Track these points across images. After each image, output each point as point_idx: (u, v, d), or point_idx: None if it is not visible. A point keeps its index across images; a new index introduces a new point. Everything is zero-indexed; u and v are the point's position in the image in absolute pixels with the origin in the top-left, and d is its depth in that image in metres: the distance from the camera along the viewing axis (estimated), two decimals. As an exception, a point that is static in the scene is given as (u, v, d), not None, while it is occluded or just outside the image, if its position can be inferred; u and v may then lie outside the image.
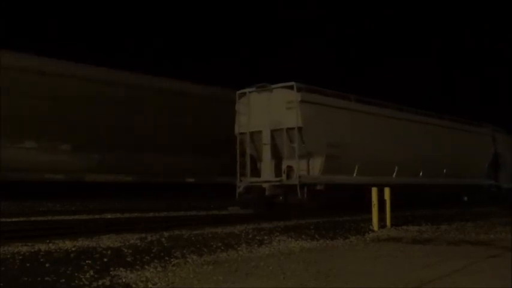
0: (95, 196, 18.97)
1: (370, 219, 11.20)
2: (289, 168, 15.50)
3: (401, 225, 11.78)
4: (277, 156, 15.81)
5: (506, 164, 27.09)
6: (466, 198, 24.00)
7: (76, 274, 5.54)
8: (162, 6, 47.15)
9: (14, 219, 12.07)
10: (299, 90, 15.46)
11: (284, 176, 15.48)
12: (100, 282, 5.26)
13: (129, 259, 6.50)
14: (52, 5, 39.08)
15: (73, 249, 7.11)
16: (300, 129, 15.16)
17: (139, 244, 7.72)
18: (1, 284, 5.09)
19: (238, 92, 16.64)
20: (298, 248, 8.16)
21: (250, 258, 6.98)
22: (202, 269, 6.13)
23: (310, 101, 15.73)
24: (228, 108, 17.11)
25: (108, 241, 8.01)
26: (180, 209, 16.58)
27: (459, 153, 22.70)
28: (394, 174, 18.63)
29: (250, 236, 9.05)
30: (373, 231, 10.71)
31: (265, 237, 8.93)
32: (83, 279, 5.34)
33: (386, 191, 11.71)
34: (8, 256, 6.43)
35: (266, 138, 15.78)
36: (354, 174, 16.86)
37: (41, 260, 6.26)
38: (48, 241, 7.87)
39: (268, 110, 15.71)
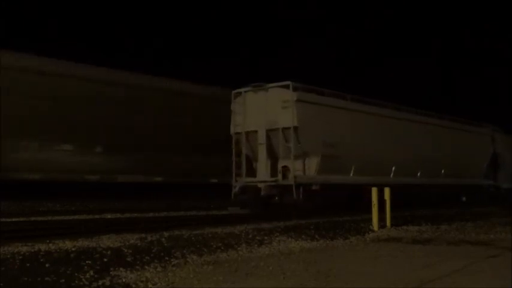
0: (95, 196, 18.97)
1: (370, 219, 11.20)
2: (285, 168, 15.43)
3: (401, 225, 11.78)
4: (273, 156, 15.72)
5: (505, 164, 27.01)
6: (464, 199, 23.90)
7: (76, 274, 5.54)
8: (162, 6, 47.17)
9: (14, 219, 12.07)
10: (295, 89, 15.38)
11: (280, 176, 15.41)
12: (100, 283, 5.26)
13: (129, 259, 6.50)
14: (52, 5, 39.11)
15: (73, 249, 7.11)
16: (295, 128, 15.08)
17: (139, 244, 7.72)
18: (1, 284, 5.09)
19: (233, 92, 16.54)
20: (298, 248, 8.16)
21: (250, 258, 6.98)
22: (202, 269, 6.13)
23: (306, 100, 15.64)
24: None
25: (108, 241, 8.01)
26: (180, 209, 16.58)
27: (458, 153, 22.63)
28: (392, 174, 18.56)
29: (250, 236, 9.05)
30: (373, 231, 10.71)
31: (265, 238, 8.93)
32: (83, 280, 5.34)
33: (386, 191, 11.70)
34: (8, 256, 6.43)
35: (262, 138, 15.70)
36: (351, 174, 16.77)
37: (41, 260, 6.26)
38: (48, 241, 7.87)
39: (264, 110, 15.63)
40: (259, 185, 15.63)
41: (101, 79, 20.50)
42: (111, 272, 5.73)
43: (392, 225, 11.50)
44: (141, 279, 5.43)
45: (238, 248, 7.76)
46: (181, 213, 15.41)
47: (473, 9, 51.00)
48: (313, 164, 15.57)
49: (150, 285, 5.22)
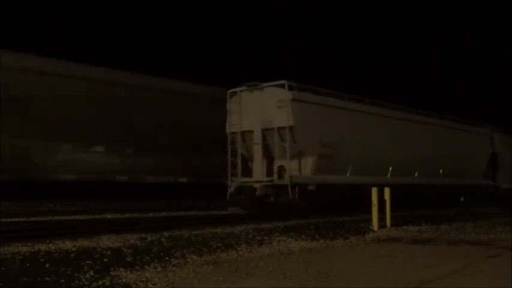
0: (95, 196, 18.98)
1: (370, 219, 11.20)
2: (281, 168, 15.31)
3: (401, 225, 11.78)
4: (268, 156, 15.63)
5: (504, 163, 26.91)
6: (462, 199, 23.78)
7: (76, 274, 5.54)
8: (162, 6, 47.16)
9: (14, 219, 12.07)
10: (290, 88, 15.27)
11: (275, 176, 15.30)
12: (100, 283, 5.26)
13: (129, 259, 6.50)
14: (52, 5, 39.12)
15: (73, 249, 7.11)
16: (291, 128, 14.97)
17: (139, 244, 7.72)
18: (1, 284, 5.09)
19: (229, 91, 16.42)
20: (298, 248, 8.16)
21: (250, 258, 6.98)
22: (202, 269, 6.13)
23: (302, 99, 15.53)
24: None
25: (108, 241, 8.01)
26: (180, 209, 16.57)
27: (456, 153, 22.52)
28: (389, 174, 18.44)
29: (250, 236, 9.05)
30: (373, 231, 10.71)
31: (265, 238, 8.93)
32: (83, 280, 5.34)
33: (386, 191, 11.69)
34: (8, 256, 6.43)
35: (257, 137, 15.60)
36: (348, 174, 16.65)
37: (41, 260, 6.26)
38: (48, 241, 7.87)
39: (259, 109, 15.52)
40: (255, 185, 15.52)
41: (130, 84, 21.49)
42: (111, 272, 5.73)
43: (392, 225, 11.50)
44: (141, 279, 5.43)
45: (238, 248, 7.76)
46: (181, 213, 15.40)
47: (473, 9, 51.05)
48: (309, 163, 15.47)
49: (150, 285, 5.22)
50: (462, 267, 6.37)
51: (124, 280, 5.41)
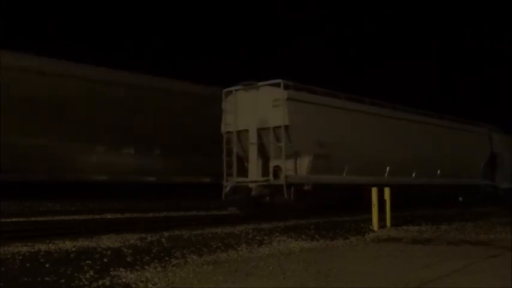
0: (95, 196, 18.99)
1: (370, 219, 11.20)
2: (277, 168, 15.18)
3: (401, 225, 11.78)
4: (264, 155, 15.49)
5: (503, 163, 26.79)
6: (461, 199, 23.66)
7: (76, 274, 5.54)
8: (162, 6, 47.18)
9: (14, 219, 12.07)
10: (286, 87, 15.12)
11: (271, 176, 15.16)
12: (100, 283, 5.26)
13: (129, 259, 6.50)
14: (52, 5, 39.13)
15: (73, 249, 7.11)
16: (286, 127, 14.81)
17: (139, 244, 7.72)
18: (1, 284, 5.09)
19: (224, 90, 16.28)
20: (298, 248, 8.16)
21: (250, 258, 6.98)
22: (202, 269, 6.13)
23: (298, 99, 15.36)
24: None
25: (108, 241, 8.02)
26: (180, 209, 16.57)
27: (454, 152, 22.37)
28: (387, 174, 18.32)
29: (250, 236, 9.05)
30: (373, 231, 10.71)
31: (265, 238, 8.93)
32: (83, 280, 5.34)
33: (386, 191, 11.69)
34: (8, 256, 6.43)
35: (253, 137, 15.45)
36: (344, 174, 16.51)
37: (41, 260, 6.26)
38: (48, 241, 7.87)
39: (254, 109, 15.36)
40: (250, 185, 15.37)
41: (163, 89, 22.34)
42: (111, 272, 5.73)
43: (392, 225, 11.49)
44: (141, 279, 5.43)
45: (238, 248, 7.76)
46: (181, 213, 15.40)
47: (473, 9, 51.05)
48: (305, 163, 15.32)
49: (150, 285, 5.22)
50: (462, 267, 6.37)
51: (124, 280, 5.41)
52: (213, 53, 44.97)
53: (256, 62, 44.07)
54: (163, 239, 8.29)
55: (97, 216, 13.78)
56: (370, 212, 11.21)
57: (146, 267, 6.12)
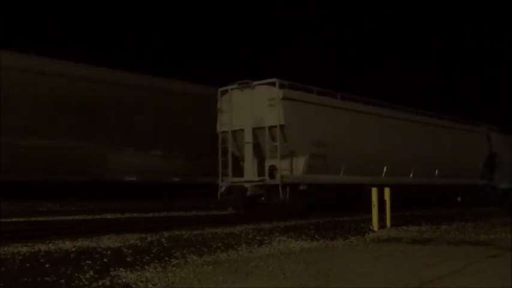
0: (95, 196, 19.00)
1: (370, 220, 11.20)
2: (272, 168, 15.03)
3: (401, 225, 11.78)
4: (260, 155, 15.36)
5: (502, 163, 26.69)
6: (459, 199, 23.51)
7: (76, 274, 5.55)
8: (162, 6, 47.19)
9: (14, 219, 12.08)
10: (281, 86, 14.96)
11: (267, 176, 15.02)
12: (100, 283, 5.26)
13: (129, 259, 6.50)
14: (52, 5, 39.13)
15: (73, 249, 7.12)
16: (282, 127, 14.66)
17: (139, 244, 7.72)
18: (1, 284, 5.09)
19: (220, 90, 16.14)
20: (298, 248, 8.16)
21: (250, 258, 6.98)
22: (202, 269, 6.14)
23: (293, 98, 15.20)
24: None
25: (108, 241, 8.02)
26: (180, 209, 16.57)
27: (452, 152, 22.20)
28: (384, 173, 18.14)
29: (250, 236, 9.06)
30: (373, 231, 10.71)
31: (265, 238, 8.93)
32: (83, 280, 5.34)
33: (386, 191, 11.68)
34: (8, 256, 6.43)
35: (248, 136, 15.30)
36: (341, 174, 16.36)
37: (41, 260, 6.26)
38: (48, 241, 7.87)
39: (250, 108, 15.22)
40: (246, 185, 15.23)
41: (189, 92, 23.03)
42: (111, 272, 5.73)
43: (392, 225, 11.50)
44: (141, 280, 5.43)
45: (238, 248, 7.76)
46: (181, 213, 15.40)
47: (473, 9, 51.03)
48: (300, 163, 15.16)
49: (150, 286, 5.22)
50: (462, 267, 6.37)
51: (124, 280, 5.41)
52: (213, 53, 45.01)
53: (256, 62, 44.09)
54: (163, 239, 8.29)
55: (97, 216, 13.78)
56: (370, 212, 11.22)
57: (146, 267, 6.12)
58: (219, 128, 16.03)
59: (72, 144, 19.14)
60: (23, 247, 7.28)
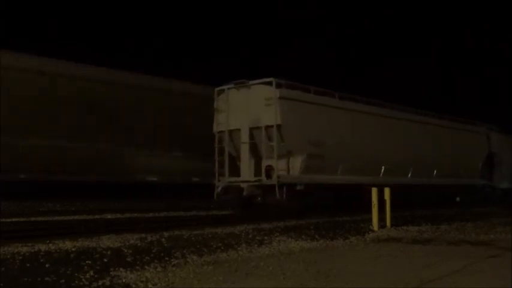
0: (95, 196, 19.00)
1: (370, 220, 11.20)
2: (269, 168, 14.91)
3: (401, 225, 11.78)
4: (256, 155, 15.25)
5: (501, 163, 26.59)
6: (458, 199, 23.39)
7: (76, 274, 5.55)
8: (162, 6, 47.19)
9: (14, 219, 12.06)
10: (278, 86, 14.85)
11: (263, 176, 14.90)
12: (100, 283, 5.26)
13: (129, 259, 6.50)
14: (52, 5, 39.13)
15: (73, 249, 7.11)
16: (278, 126, 14.55)
17: (139, 244, 7.72)
18: (1, 284, 5.09)
19: (216, 89, 16.05)
20: (298, 248, 8.16)
21: (250, 258, 6.98)
22: (202, 269, 6.14)
23: (290, 97, 15.09)
24: None
25: (108, 241, 8.02)
26: (180, 209, 16.56)
27: (451, 152, 22.09)
28: (382, 173, 18.05)
29: (250, 236, 9.05)
30: (373, 231, 10.71)
31: (265, 238, 8.93)
32: (83, 280, 5.34)
33: (386, 191, 11.68)
34: (8, 256, 6.43)
35: (245, 136, 15.20)
36: (338, 174, 16.26)
37: (41, 260, 6.26)
38: (48, 241, 7.87)
39: (246, 108, 15.12)
40: (242, 185, 15.13)
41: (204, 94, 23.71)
42: (111, 272, 5.73)
43: (392, 225, 11.50)
44: (141, 280, 5.43)
45: (238, 248, 7.76)
46: (181, 213, 15.39)
47: (473, 9, 51.03)
48: (297, 163, 15.04)
49: (150, 286, 5.22)
50: (462, 267, 6.37)
51: (124, 280, 5.41)
52: (213, 53, 45.01)
53: (256, 62, 44.09)
54: (163, 239, 8.29)
55: (97, 216, 13.76)
56: (370, 212, 11.21)
57: (146, 267, 6.12)
58: (216, 128, 15.93)
59: (99, 146, 20.31)
60: (23, 247, 7.27)
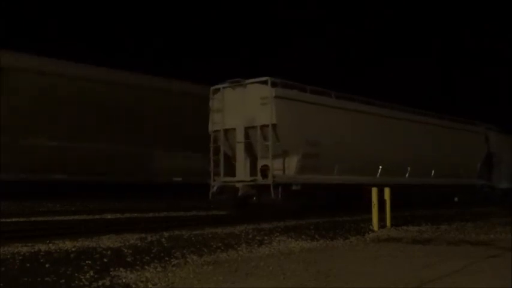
0: (95, 196, 19.01)
1: (370, 220, 11.20)
2: (265, 167, 14.76)
3: (401, 225, 11.78)
4: (252, 154, 15.14)
5: (500, 163, 26.46)
6: (456, 199, 23.32)
7: (76, 274, 5.55)
8: (162, 6, 47.20)
9: (14, 219, 12.06)
10: (274, 85, 14.73)
11: (259, 176, 14.77)
12: (100, 283, 5.26)
13: (129, 259, 6.50)
14: (52, 5, 39.14)
15: (73, 249, 7.11)
16: (274, 126, 14.42)
17: (139, 244, 7.72)
18: (1, 284, 5.09)
19: (212, 88, 15.96)
20: (298, 248, 8.16)
21: (250, 258, 6.98)
22: (202, 269, 6.14)
23: (286, 96, 14.96)
24: None
25: (108, 241, 8.02)
26: (180, 209, 16.55)
27: (449, 152, 21.98)
28: (379, 174, 17.95)
29: (250, 236, 9.05)
30: (373, 231, 10.71)
31: (265, 238, 8.93)
32: (83, 280, 5.34)
33: (386, 191, 11.68)
34: (8, 256, 6.43)
35: (240, 136, 15.09)
36: (335, 174, 16.15)
37: (41, 260, 6.26)
38: (48, 241, 7.87)
39: (242, 107, 15.00)
40: (237, 185, 15.01)
41: None
42: (111, 272, 5.73)
43: (392, 225, 11.50)
44: (141, 280, 5.43)
45: (238, 248, 7.76)
46: (181, 213, 15.38)
47: (473, 9, 51.07)
48: (293, 163, 14.92)
49: (150, 286, 5.22)
50: (462, 267, 6.37)
51: (124, 280, 5.41)
52: (213, 53, 45.02)
53: (256, 62, 44.10)
54: (163, 239, 8.29)
55: (97, 216, 13.76)
56: (370, 212, 11.21)
57: (146, 267, 6.12)
58: (211, 127, 15.81)
59: (130, 149, 21.22)
60: (23, 247, 7.27)
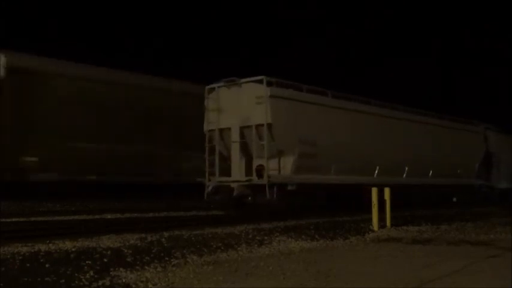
0: (95, 196, 19.00)
1: (370, 220, 11.20)
2: (260, 167, 14.65)
3: (401, 225, 11.78)
4: (247, 154, 15.04)
5: (499, 163, 26.39)
6: (455, 199, 23.26)
7: (76, 274, 5.55)
8: (162, 6, 47.20)
9: (14, 219, 12.06)
10: (269, 84, 14.61)
11: (254, 175, 14.68)
12: (100, 283, 5.26)
13: (129, 259, 6.50)
14: (52, 5, 39.14)
15: (73, 249, 7.11)
16: (269, 125, 14.30)
17: (139, 244, 7.72)
18: (1, 284, 5.09)
19: (207, 87, 15.83)
20: (298, 248, 8.16)
21: (250, 258, 6.98)
22: (202, 269, 6.14)
23: (282, 96, 14.84)
24: None
25: (108, 241, 8.02)
26: (180, 209, 16.55)
27: (448, 152, 21.87)
28: (376, 173, 17.83)
29: (250, 236, 9.05)
30: (373, 231, 10.71)
31: (265, 238, 8.93)
32: (83, 280, 5.34)
33: (386, 191, 11.68)
34: (8, 256, 6.43)
35: (235, 135, 15.00)
36: (331, 174, 16.03)
37: (41, 260, 6.26)
38: (48, 241, 7.87)
39: (237, 106, 14.89)
40: (232, 185, 14.92)
41: None
42: (111, 272, 5.73)
43: (392, 225, 11.50)
44: (141, 280, 5.43)
45: (238, 248, 7.76)
46: (181, 213, 15.38)
47: (473, 9, 51.07)
48: (289, 163, 14.79)
49: (150, 286, 5.22)
50: (462, 267, 6.37)
51: (124, 280, 5.41)
52: (213, 52, 45.02)
53: (257, 62, 44.10)
54: (163, 239, 8.29)
55: (97, 216, 13.76)
56: (370, 212, 11.22)
57: (146, 267, 6.12)
58: (206, 127, 15.71)
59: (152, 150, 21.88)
60: (23, 247, 7.27)
